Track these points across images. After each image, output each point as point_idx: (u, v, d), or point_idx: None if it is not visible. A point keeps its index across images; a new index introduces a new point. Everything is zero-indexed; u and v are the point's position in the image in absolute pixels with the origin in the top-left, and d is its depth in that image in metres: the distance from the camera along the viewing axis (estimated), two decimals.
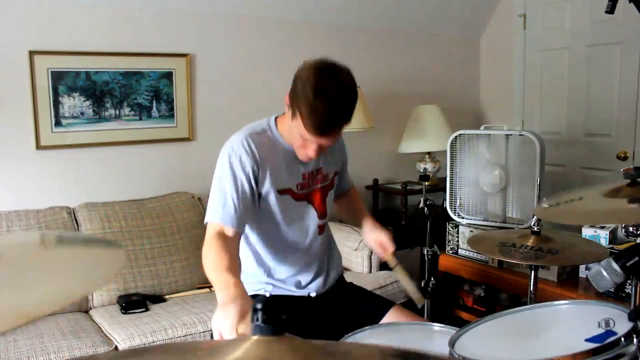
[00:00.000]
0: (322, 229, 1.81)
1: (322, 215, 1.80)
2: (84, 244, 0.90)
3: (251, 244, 1.76)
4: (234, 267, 1.51)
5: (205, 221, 1.65)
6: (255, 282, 1.78)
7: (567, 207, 1.54)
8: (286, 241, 1.75)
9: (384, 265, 3.15)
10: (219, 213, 1.61)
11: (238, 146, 1.64)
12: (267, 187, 1.67)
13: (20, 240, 0.92)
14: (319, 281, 1.83)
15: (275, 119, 1.74)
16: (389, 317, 1.79)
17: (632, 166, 1.52)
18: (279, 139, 1.71)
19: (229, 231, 1.59)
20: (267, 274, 1.78)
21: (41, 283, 0.71)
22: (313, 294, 1.81)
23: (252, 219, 1.70)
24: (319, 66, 1.54)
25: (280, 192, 1.70)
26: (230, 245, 1.56)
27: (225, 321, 1.28)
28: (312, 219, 1.77)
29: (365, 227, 1.96)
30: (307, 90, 1.50)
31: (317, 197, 1.78)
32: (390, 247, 1.86)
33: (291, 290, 1.79)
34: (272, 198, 1.68)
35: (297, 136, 1.60)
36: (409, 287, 1.82)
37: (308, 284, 1.81)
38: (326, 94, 1.50)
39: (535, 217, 1.93)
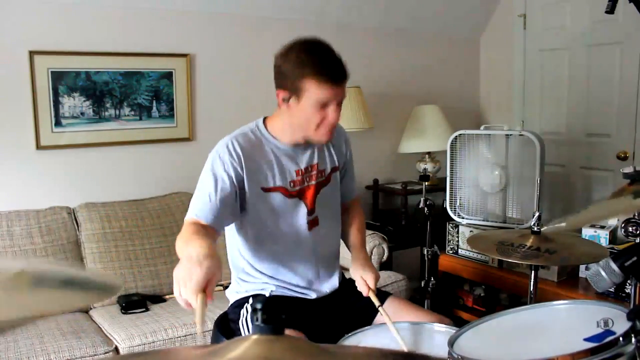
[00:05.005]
0: (311, 224, 1.78)
1: (311, 211, 1.77)
2: (64, 287, 0.81)
3: (249, 245, 1.76)
4: (207, 236, 1.47)
5: (185, 219, 1.64)
6: (257, 282, 1.78)
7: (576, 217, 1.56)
8: (277, 238, 1.74)
9: (383, 266, 3.15)
10: (196, 209, 1.61)
11: (222, 149, 1.66)
12: (252, 186, 1.66)
13: None
14: (320, 282, 1.82)
15: (264, 120, 1.76)
16: (388, 305, 1.75)
17: (632, 166, 1.52)
18: (269, 138, 1.73)
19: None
20: (267, 274, 1.77)
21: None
22: (314, 295, 1.79)
23: (236, 218, 1.70)
24: (294, 42, 1.64)
25: (268, 190, 1.69)
26: (205, 229, 1.54)
27: (189, 282, 1.23)
28: (301, 215, 1.76)
29: (354, 260, 1.80)
30: (302, 57, 1.58)
31: (310, 194, 1.77)
32: (372, 286, 1.71)
33: (292, 290, 1.78)
34: (259, 196, 1.68)
35: (311, 115, 1.62)
36: (396, 334, 1.54)
37: (309, 285, 1.80)
38: (319, 48, 1.62)
39: (535, 216, 1.92)
